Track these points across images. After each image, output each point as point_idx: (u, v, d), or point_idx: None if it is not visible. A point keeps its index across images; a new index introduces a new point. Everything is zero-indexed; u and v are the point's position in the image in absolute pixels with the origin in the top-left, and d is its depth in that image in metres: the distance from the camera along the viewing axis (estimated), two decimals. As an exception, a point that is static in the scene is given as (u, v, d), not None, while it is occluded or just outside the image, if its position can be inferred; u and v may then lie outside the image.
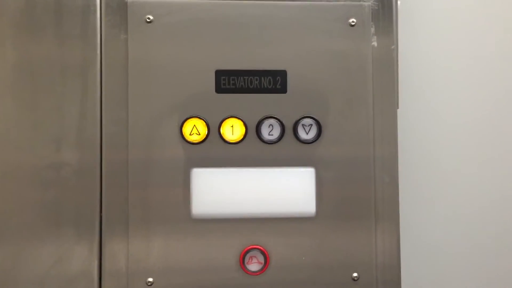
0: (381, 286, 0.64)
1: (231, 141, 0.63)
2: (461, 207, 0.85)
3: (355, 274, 0.64)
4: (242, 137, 0.63)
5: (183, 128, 0.63)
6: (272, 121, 0.64)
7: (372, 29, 0.65)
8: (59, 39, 0.62)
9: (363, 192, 0.64)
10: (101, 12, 0.63)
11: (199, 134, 0.63)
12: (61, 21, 0.63)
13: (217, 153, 0.63)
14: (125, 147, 0.62)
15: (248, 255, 0.63)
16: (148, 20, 0.63)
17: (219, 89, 0.63)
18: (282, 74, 0.64)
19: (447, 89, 0.85)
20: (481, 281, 0.85)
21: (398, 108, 0.66)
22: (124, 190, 0.62)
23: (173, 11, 0.63)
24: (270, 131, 0.64)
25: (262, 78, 0.64)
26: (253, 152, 0.64)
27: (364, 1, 0.65)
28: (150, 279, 0.62)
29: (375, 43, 0.65)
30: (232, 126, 0.63)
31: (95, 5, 0.63)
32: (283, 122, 0.64)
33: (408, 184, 0.83)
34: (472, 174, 0.85)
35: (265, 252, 0.63)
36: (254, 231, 0.63)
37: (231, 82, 0.63)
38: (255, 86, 0.64)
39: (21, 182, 0.62)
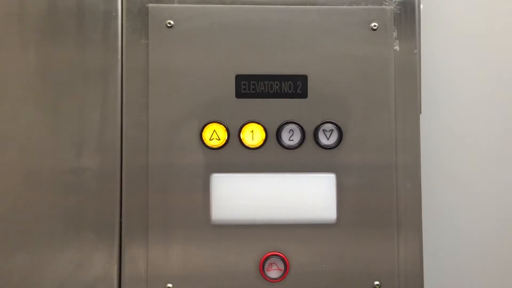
0: (403, 295, 0.63)
1: (251, 146, 0.63)
2: (484, 214, 0.83)
3: (376, 283, 0.63)
4: (262, 142, 0.63)
5: (203, 133, 0.62)
6: (292, 126, 0.63)
7: (394, 33, 0.64)
8: (80, 44, 0.63)
9: (384, 199, 0.63)
10: (122, 18, 0.63)
11: (219, 139, 0.63)
12: (83, 27, 0.63)
13: (237, 158, 0.63)
14: (145, 152, 0.62)
15: (268, 262, 0.62)
16: (168, 25, 0.63)
17: (239, 94, 0.63)
18: (303, 79, 0.63)
19: (471, 94, 0.83)
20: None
21: (420, 113, 0.65)
22: (144, 195, 0.62)
23: (194, 16, 0.63)
24: (290, 136, 0.63)
25: (283, 83, 0.63)
26: (273, 158, 0.63)
27: (386, 5, 0.64)
28: (170, 285, 0.62)
29: (397, 48, 0.64)
30: (252, 131, 0.63)
31: (116, 11, 0.63)
32: (304, 127, 0.63)
33: (430, 191, 0.82)
34: (496, 181, 0.83)
35: (285, 258, 0.62)
36: (274, 237, 0.63)
37: (252, 87, 0.63)
38: (275, 91, 0.63)
39: (42, 186, 0.62)
